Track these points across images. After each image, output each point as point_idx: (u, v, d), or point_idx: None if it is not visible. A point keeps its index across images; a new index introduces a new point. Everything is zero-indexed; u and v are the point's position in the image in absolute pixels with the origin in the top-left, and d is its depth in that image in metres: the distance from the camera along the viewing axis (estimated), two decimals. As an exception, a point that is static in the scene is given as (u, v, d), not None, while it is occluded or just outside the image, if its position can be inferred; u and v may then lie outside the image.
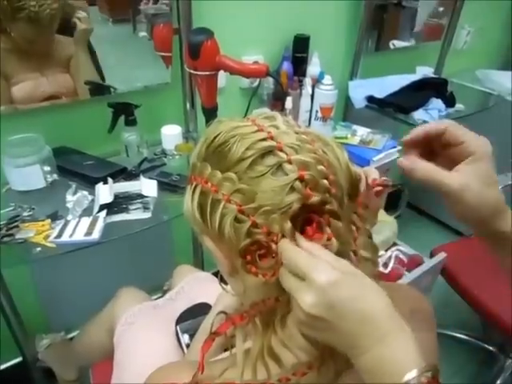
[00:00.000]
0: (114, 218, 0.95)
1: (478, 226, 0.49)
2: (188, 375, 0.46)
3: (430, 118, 1.51)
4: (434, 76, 1.85)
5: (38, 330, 1.37)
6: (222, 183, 0.44)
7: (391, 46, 1.79)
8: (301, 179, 0.42)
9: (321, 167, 0.44)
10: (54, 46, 1.09)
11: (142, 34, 1.15)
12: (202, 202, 0.46)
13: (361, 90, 1.63)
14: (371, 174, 0.52)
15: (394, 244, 1.48)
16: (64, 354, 1.30)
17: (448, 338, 1.63)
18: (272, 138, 0.43)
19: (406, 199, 2.32)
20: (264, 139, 0.43)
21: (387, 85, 1.67)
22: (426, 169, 0.47)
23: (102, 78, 1.17)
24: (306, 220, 0.44)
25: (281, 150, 0.43)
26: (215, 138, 0.46)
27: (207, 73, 1.08)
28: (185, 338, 0.91)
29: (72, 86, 1.14)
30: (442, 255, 1.39)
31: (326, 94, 1.16)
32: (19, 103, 1.08)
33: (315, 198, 0.44)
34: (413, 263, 1.39)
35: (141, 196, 1.01)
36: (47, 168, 1.02)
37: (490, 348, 1.59)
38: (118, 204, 0.98)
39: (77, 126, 1.17)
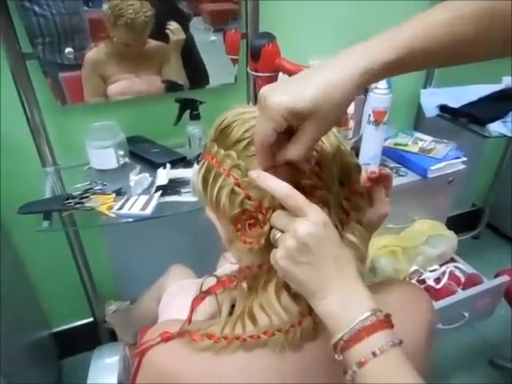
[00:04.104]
0: (166, 199, 1.06)
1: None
2: (177, 328, 0.53)
3: (508, 131, 1.40)
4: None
5: (109, 296, 1.54)
6: (224, 159, 0.51)
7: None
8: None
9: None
10: (148, 51, 1.22)
11: (213, 38, 1.27)
12: (206, 175, 0.53)
13: (433, 99, 1.56)
14: (371, 168, 0.55)
15: (452, 260, 1.39)
16: (126, 321, 1.44)
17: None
18: None
19: (486, 220, 2.15)
20: None
21: (465, 94, 1.57)
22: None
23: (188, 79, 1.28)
24: None
25: None
26: (222, 121, 0.53)
27: (267, 74, 1.16)
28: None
29: (160, 86, 1.27)
30: (503, 278, 1.28)
31: (379, 97, 1.15)
32: (112, 98, 1.23)
33: (307, 182, 0.49)
34: (470, 282, 1.30)
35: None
36: (121, 152, 1.17)
37: None
38: (173, 187, 1.08)
39: (150, 118, 1.30)
